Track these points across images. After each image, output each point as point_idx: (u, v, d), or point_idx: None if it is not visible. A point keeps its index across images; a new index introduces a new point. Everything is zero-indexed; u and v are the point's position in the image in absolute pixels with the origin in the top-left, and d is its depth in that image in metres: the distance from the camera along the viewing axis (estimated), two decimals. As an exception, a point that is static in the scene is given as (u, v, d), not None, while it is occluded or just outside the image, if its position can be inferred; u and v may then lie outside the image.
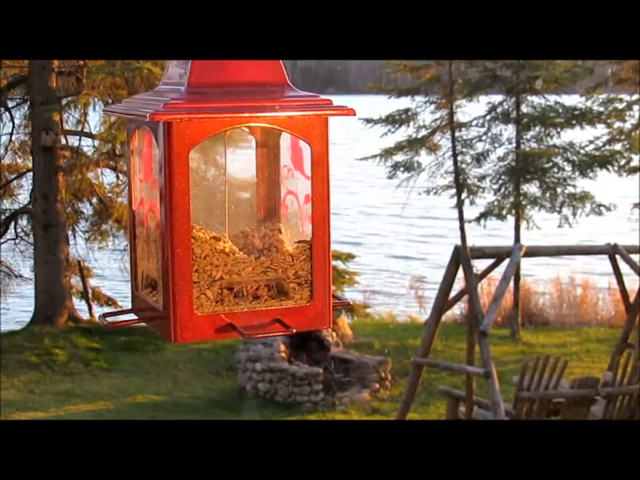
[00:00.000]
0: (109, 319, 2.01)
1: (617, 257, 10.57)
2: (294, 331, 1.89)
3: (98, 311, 17.66)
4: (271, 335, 1.94)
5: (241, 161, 1.97)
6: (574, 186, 16.51)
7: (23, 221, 17.78)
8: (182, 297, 1.81)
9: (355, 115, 1.90)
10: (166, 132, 1.78)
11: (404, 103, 17.34)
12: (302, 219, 1.95)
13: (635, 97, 17.08)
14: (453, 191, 17.03)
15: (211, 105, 1.81)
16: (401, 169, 17.27)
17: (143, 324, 2.02)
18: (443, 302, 10.23)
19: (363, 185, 35.63)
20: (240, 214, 1.99)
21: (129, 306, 2.06)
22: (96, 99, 15.78)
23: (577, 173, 16.53)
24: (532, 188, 16.73)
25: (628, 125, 16.92)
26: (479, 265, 11.53)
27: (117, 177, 16.80)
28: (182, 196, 1.80)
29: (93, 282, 18.27)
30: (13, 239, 17.79)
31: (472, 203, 16.98)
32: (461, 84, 16.89)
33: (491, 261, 10.43)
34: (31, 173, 16.88)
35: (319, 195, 1.91)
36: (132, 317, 2.01)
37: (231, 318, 1.87)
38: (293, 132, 1.88)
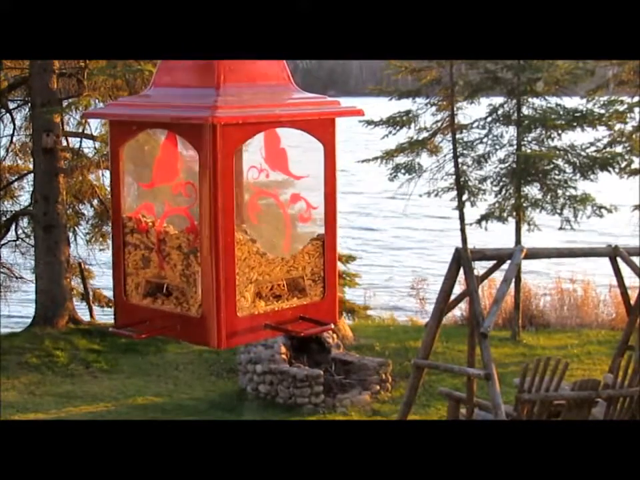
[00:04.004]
0: (135, 331, 1.94)
1: (618, 258, 10.56)
2: (332, 325, 1.93)
3: (98, 312, 17.68)
4: (316, 331, 1.95)
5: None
6: (575, 188, 16.51)
7: (24, 223, 17.79)
8: (227, 301, 1.79)
9: (363, 115, 1.93)
10: (211, 134, 1.74)
11: (405, 104, 17.35)
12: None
13: (636, 98, 17.07)
14: (454, 193, 17.04)
15: (257, 107, 1.80)
16: (402, 170, 17.28)
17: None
18: (444, 304, 10.22)
19: (363, 186, 35.63)
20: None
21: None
22: (97, 101, 15.78)
23: (578, 175, 16.53)
24: (533, 190, 16.72)
25: (629, 127, 16.91)
26: (480, 266, 11.53)
27: (118, 178, 16.77)
28: (228, 198, 1.77)
29: (93, 283, 18.27)
30: (13, 241, 17.80)
31: (473, 204, 16.99)
32: (462, 86, 16.89)
33: (491, 263, 10.42)
34: (32, 175, 16.88)
35: (329, 194, 1.93)
36: (152, 326, 1.93)
37: (266, 318, 1.87)
38: (309, 132, 1.89)
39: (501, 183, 16.76)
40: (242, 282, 1.83)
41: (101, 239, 17.35)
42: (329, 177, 1.93)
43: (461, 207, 16.96)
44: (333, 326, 1.94)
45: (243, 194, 1.93)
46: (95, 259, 17.81)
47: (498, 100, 17.13)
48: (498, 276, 11.17)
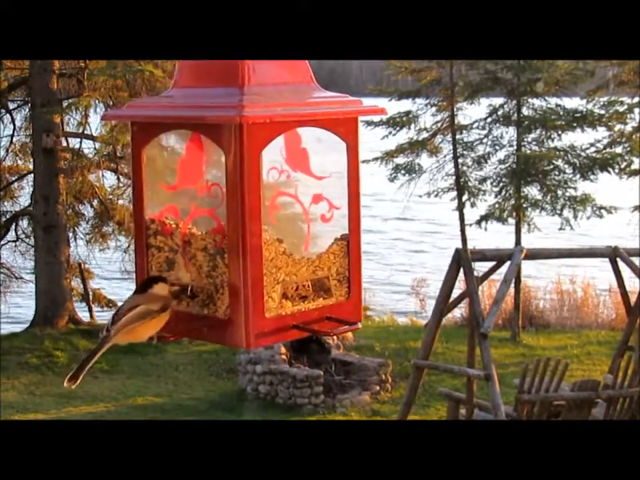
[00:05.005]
0: (162, 334, 1.93)
1: (618, 259, 10.56)
2: (359, 325, 1.93)
3: (98, 312, 17.66)
4: (344, 331, 1.95)
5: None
6: (575, 188, 16.51)
7: (24, 223, 17.78)
8: (255, 301, 1.78)
9: (386, 113, 1.95)
10: (238, 134, 1.73)
11: (405, 105, 17.35)
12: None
13: (636, 99, 17.07)
14: (454, 193, 17.04)
15: (281, 106, 1.79)
16: (402, 171, 17.28)
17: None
18: (444, 304, 10.21)
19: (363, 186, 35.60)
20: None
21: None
22: (97, 101, 15.77)
23: (578, 176, 16.53)
24: (533, 190, 16.73)
25: (629, 128, 16.92)
26: (480, 267, 11.52)
27: (118, 179, 16.81)
28: (255, 199, 1.76)
29: (93, 284, 18.26)
30: (13, 241, 17.79)
31: (473, 205, 16.99)
32: (462, 86, 16.90)
33: (491, 264, 10.42)
34: (32, 175, 16.88)
35: (353, 194, 1.93)
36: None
37: (293, 318, 1.87)
38: (333, 131, 1.88)
39: (501, 184, 16.76)
40: (269, 282, 1.82)
41: (100, 239, 17.34)
42: (353, 176, 1.92)
43: (460, 208, 16.96)
44: (360, 325, 1.93)
45: (263, 195, 1.92)
46: (96, 261, 17.81)
47: (498, 100, 17.13)
48: (498, 277, 11.16)
